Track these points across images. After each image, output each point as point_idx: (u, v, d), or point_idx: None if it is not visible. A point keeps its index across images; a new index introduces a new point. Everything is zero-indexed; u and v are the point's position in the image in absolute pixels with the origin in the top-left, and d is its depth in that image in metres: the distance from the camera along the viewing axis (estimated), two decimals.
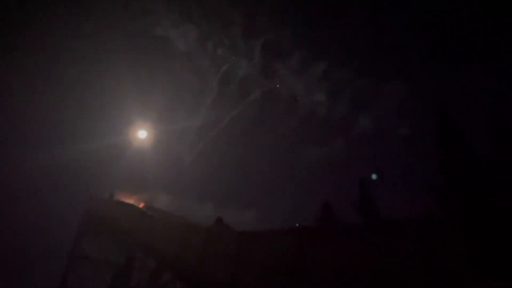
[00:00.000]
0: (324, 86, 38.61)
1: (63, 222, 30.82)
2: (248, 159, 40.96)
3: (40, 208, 35.41)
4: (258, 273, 6.14)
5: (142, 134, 44.66)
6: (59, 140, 39.26)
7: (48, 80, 39.21)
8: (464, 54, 28.42)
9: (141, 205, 30.66)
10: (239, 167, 40.59)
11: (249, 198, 37.74)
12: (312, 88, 39.37)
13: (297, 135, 39.74)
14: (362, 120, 35.91)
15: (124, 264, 17.05)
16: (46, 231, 32.65)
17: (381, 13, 33.22)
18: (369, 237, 4.39)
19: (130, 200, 33.74)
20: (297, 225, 5.54)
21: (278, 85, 41.18)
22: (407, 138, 31.45)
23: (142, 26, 40.70)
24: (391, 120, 33.15)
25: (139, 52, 40.78)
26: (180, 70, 43.05)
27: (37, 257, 31.53)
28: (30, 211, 34.65)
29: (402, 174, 31.18)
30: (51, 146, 38.47)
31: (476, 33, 27.67)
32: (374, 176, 29.69)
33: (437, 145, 18.99)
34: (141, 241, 14.91)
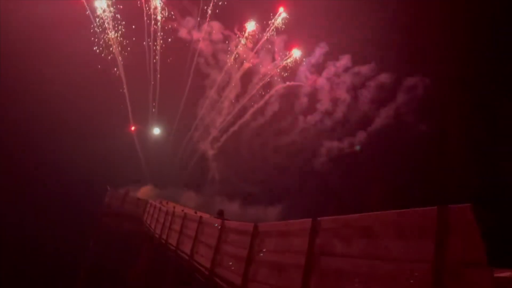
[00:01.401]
0: (344, 81, 37.94)
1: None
2: (269, 156, 40.87)
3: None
4: (273, 264, 6.15)
5: (156, 131, 45.12)
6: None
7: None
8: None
9: (167, 202, 31.21)
10: (262, 164, 40.56)
11: (273, 195, 37.82)
12: (332, 83, 38.78)
13: (318, 131, 39.26)
14: (382, 115, 35.02)
15: None
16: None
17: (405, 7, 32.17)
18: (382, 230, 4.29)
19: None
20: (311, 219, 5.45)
21: (298, 82, 40.80)
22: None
23: None
24: (412, 116, 32.14)
25: None
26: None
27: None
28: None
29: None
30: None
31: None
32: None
33: None
34: None
